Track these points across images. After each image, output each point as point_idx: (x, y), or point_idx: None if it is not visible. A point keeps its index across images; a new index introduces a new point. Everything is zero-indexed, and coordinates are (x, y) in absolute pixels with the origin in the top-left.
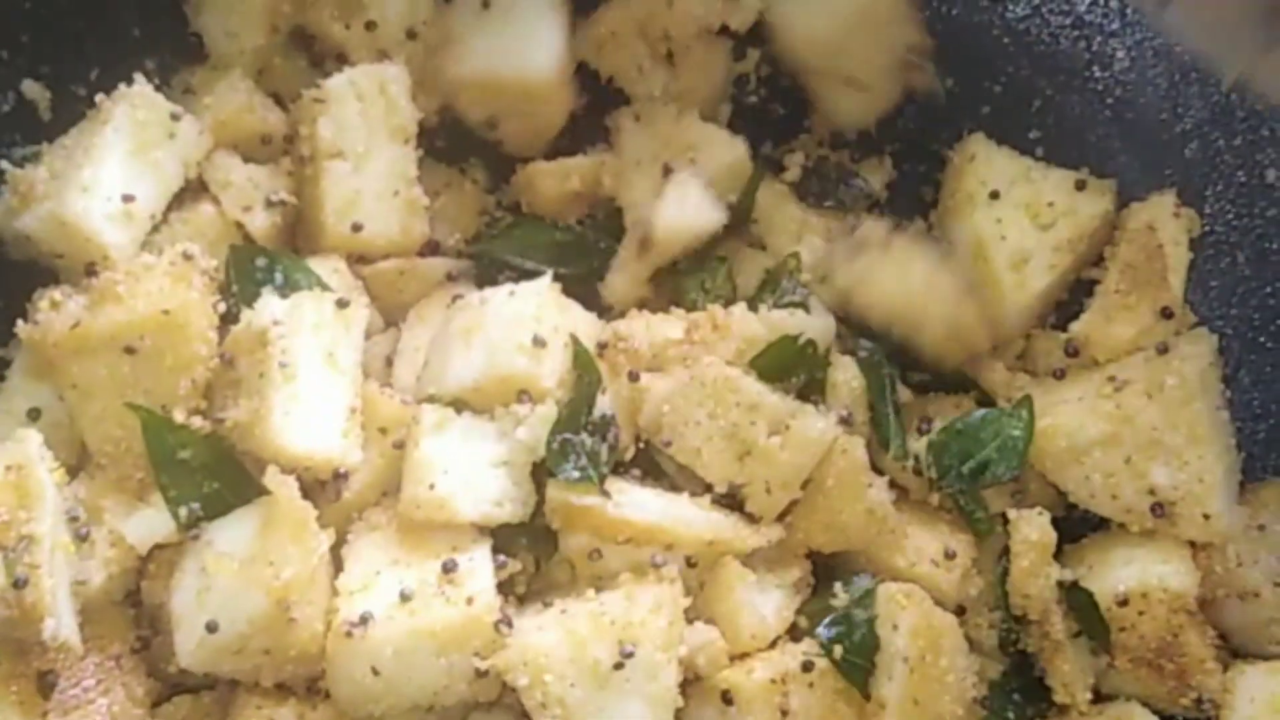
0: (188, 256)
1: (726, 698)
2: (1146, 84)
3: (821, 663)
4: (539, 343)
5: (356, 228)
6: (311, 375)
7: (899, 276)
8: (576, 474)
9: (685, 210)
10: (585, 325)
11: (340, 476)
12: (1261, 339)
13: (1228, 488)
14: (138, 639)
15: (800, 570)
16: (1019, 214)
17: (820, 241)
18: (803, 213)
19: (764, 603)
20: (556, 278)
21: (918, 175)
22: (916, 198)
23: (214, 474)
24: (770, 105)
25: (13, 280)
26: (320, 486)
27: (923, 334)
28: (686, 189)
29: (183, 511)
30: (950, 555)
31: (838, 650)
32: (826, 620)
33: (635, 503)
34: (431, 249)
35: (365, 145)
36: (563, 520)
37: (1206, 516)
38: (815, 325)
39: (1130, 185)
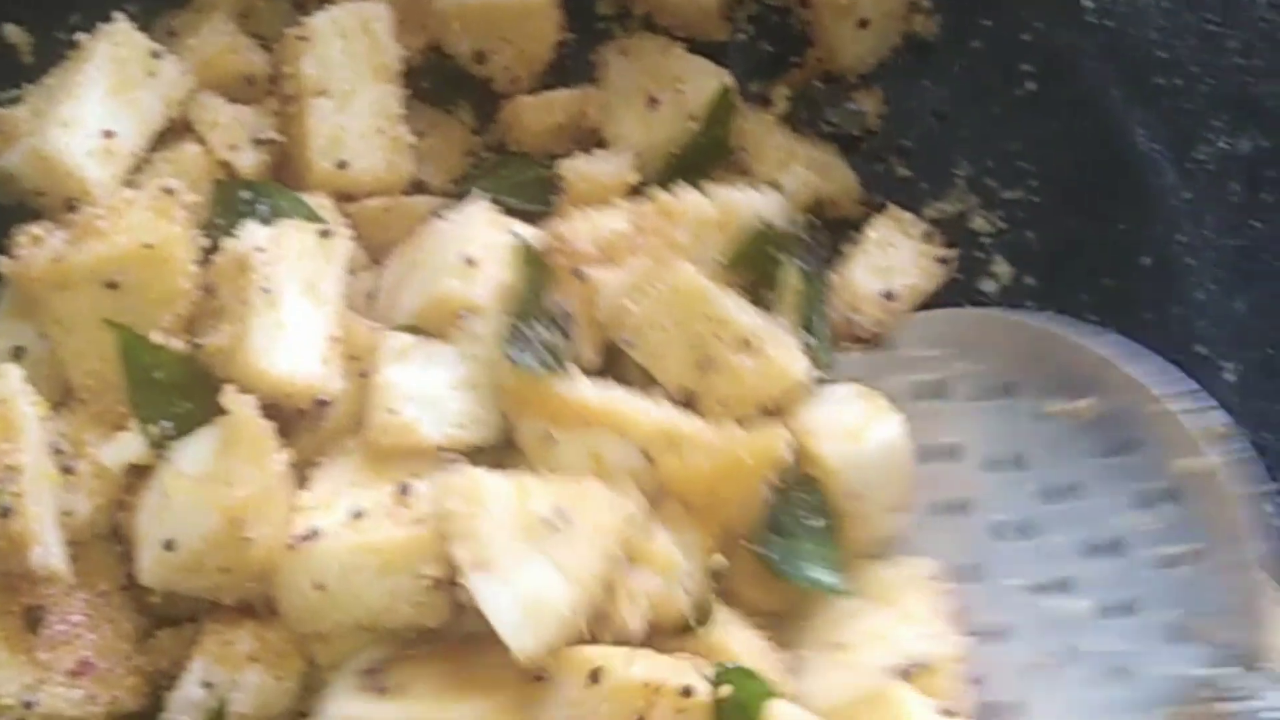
0: (169, 191)
1: (595, 675)
2: (1138, 14)
3: (703, 692)
4: (470, 263)
5: (342, 165)
6: (293, 303)
7: None
8: (536, 364)
9: None
10: (528, 236)
11: (322, 404)
12: None
13: None
14: (126, 576)
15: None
16: None
17: (803, 170)
18: (789, 142)
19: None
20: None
21: (907, 112)
22: (901, 137)
23: (187, 394)
24: (758, 43)
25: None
26: (300, 415)
27: None
28: None
29: (153, 430)
30: None
31: (723, 690)
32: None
33: (591, 386)
34: (418, 189)
35: (350, 83)
36: (517, 401)
37: None
38: (766, 203)
39: (1121, 117)
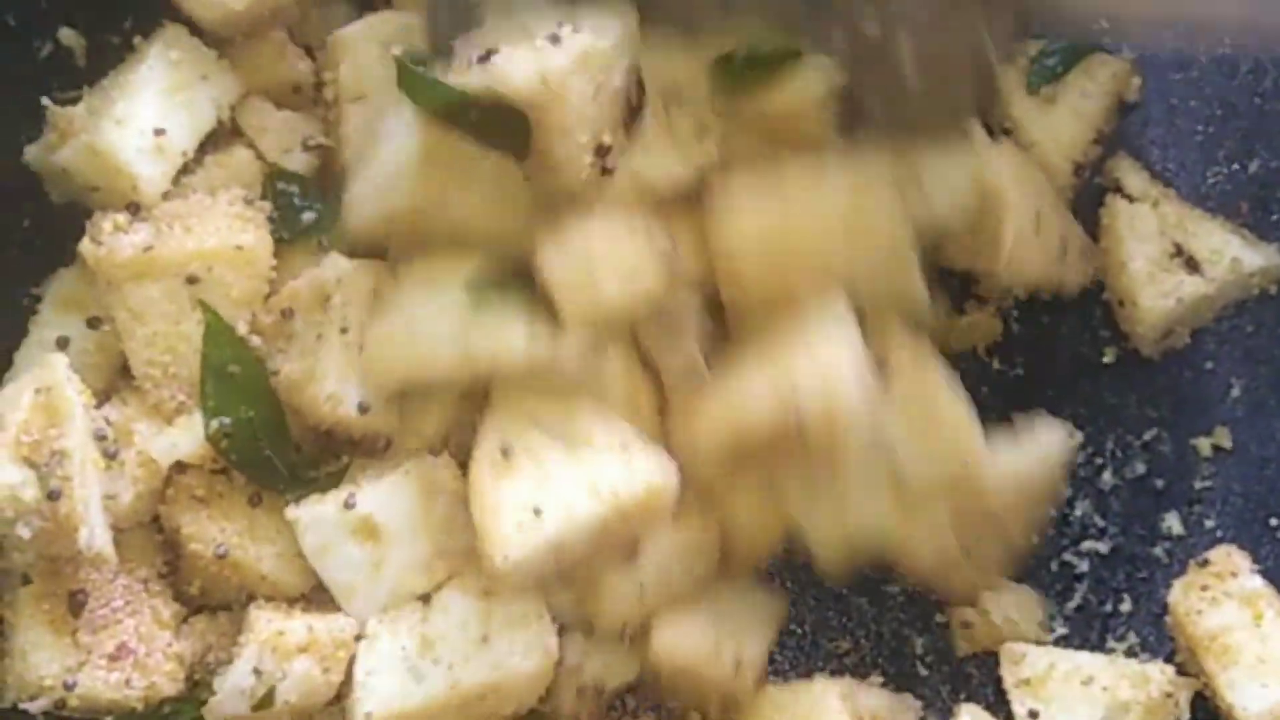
0: (248, 201)
1: None
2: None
3: None
4: None
5: None
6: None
7: None
8: None
9: None
10: None
11: (384, 447)
12: None
13: None
14: (164, 564)
15: None
16: None
17: None
18: None
19: None
20: None
21: None
22: None
23: (253, 401)
24: None
25: (53, 224)
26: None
27: None
28: None
29: (214, 424)
30: None
31: None
32: None
33: None
34: None
35: (386, 89)
36: None
37: None
38: None
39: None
